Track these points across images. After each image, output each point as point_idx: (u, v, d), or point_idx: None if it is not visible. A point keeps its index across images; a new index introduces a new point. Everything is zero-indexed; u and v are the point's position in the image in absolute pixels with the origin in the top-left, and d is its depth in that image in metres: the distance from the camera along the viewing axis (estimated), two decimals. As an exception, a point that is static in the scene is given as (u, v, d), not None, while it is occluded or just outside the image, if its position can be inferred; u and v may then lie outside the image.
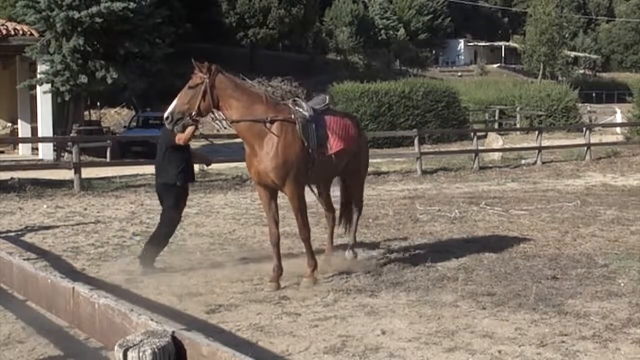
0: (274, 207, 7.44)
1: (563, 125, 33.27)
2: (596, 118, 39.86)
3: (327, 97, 8.06)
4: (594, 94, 59.37)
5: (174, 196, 8.07)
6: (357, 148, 7.86)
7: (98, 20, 21.87)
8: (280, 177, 7.09)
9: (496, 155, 21.97)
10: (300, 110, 7.32)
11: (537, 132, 22.79)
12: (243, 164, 18.23)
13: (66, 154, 21.93)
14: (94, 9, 21.77)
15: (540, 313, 6.11)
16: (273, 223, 7.37)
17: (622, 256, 8.34)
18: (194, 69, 7.16)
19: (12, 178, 15.54)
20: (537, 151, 21.23)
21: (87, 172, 16.45)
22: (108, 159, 21.34)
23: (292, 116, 7.24)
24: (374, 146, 24.40)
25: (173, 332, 2.42)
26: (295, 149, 7.14)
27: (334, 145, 7.36)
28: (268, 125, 7.11)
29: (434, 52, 72.83)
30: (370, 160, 9.60)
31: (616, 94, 60.13)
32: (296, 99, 7.95)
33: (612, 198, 13.73)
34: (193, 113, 7.02)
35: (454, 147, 26.58)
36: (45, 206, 13.09)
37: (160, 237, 8.14)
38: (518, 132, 32.44)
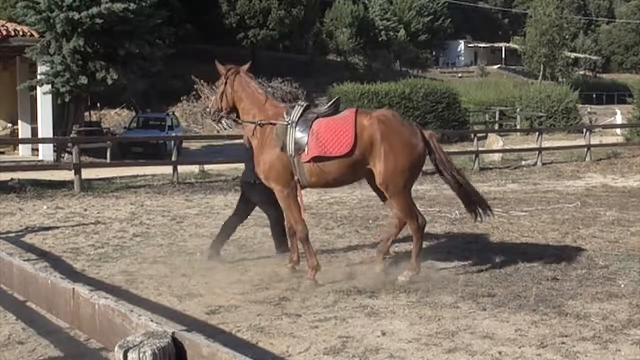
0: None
1: (563, 127, 33.27)
2: (596, 119, 39.86)
3: (334, 100, 7.77)
4: (594, 95, 59.39)
5: (257, 194, 8.41)
6: (362, 152, 7.18)
7: (98, 21, 21.88)
8: (263, 177, 7.57)
9: (496, 157, 21.97)
10: (286, 114, 7.44)
11: (537, 133, 22.80)
12: (243, 165, 18.32)
13: (66, 154, 21.95)
14: (94, 10, 21.78)
15: (540, 314, 6.11)
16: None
17: (622, 257, 8.34)
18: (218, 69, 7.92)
19: (12, 179, 15.54)
20: (537, 152, 21.24)
21: (87, 173, 16.46)
22: (108, 160, 21.37)
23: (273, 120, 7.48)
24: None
25: (173, 332, 2.43)
26: (272, 151, 7.42)
27: (310, 151, 7.23)
28: (258, 127, 7.56)
29: (434, 53, 72.89)
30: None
31: (616, 95, 60.10)
32: (299, 103, 7.81)
33: (612, 199, 13.73)
34: (220, 111, 7.88)
35: (454, 148, 26.49)
36: (45, 207, 13.09)
37: (280, 227, 8.53)
38: (518, 133, 32.46)
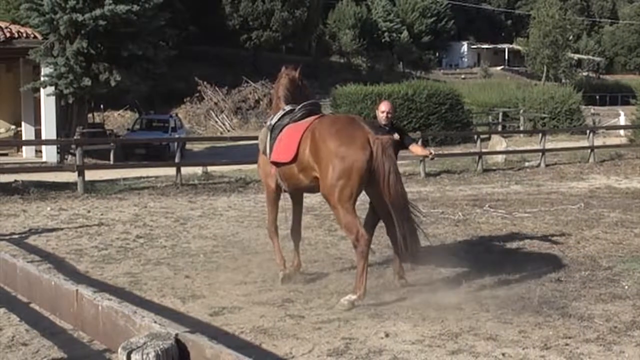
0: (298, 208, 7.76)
1: (567, 128, 33.21)
2: (600, 120, 39.75)
3: (305, 104, 7.55)
4: (597, 97, 59.25)
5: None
6: (306, 160, 6.80)
7: (102, 23, 21.93)
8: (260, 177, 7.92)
9: (500, 158, 21.94)
10: (270, 118, 7.63)
11: (540, 135, 22.76)
12: (246, 167, 18.35)
13: (70, 156, 21.97)
14: (98, 12, 21.83)
15: (544, 316, 6.10)
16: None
17: (626, 259, 8.33)
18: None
19: (15, 180, 15.56)
20: (540, 154, 21.20)
21: (90, 175, 16.47)
22: (111, 162, 21.37)
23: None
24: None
25: (176, 334, 2.43)
26: (261, 154, 7.72)
27: (272, 156, 7.27)
28: None
29: (437, 54, 72.76)
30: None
31: (620, 96, 60.02)
32: (282, 107, 7.61)
33: (615, 200, 13.71)
34: None
35: (458, 149, 26.54)
36: (48, 208, 13.10)
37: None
38: (522, 135, 32.38)
